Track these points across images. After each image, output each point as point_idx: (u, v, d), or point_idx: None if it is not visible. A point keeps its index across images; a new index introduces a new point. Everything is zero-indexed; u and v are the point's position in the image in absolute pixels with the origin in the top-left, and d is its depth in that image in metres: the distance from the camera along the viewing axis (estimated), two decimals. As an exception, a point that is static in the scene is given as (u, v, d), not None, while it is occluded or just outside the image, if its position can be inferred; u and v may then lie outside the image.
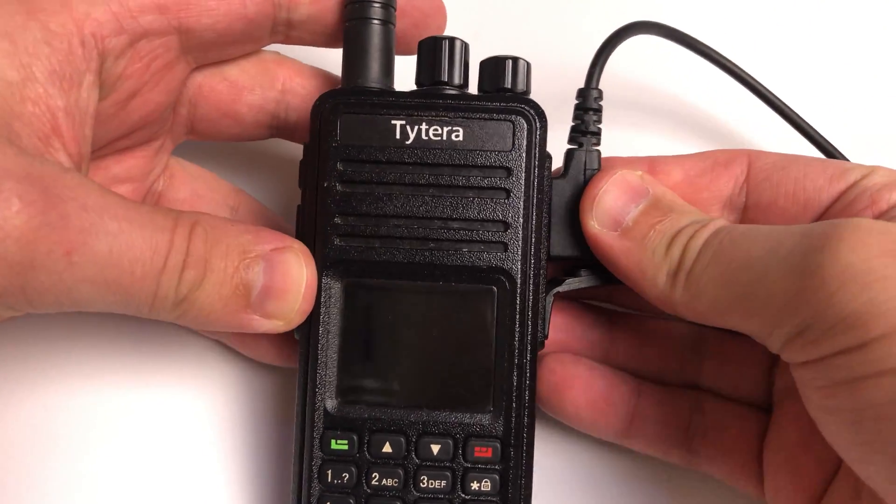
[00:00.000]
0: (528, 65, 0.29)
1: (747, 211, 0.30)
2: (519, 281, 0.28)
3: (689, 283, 0.26)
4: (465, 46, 0.29)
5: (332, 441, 0.28)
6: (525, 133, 0.28)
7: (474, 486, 0.28)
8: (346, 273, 0.28)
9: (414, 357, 0.29)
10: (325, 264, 0.28)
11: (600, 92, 0.31)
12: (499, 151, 0.28)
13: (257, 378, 0.34)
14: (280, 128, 0.32)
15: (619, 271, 0.28)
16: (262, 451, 0.33)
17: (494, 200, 0.28)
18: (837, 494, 0.27)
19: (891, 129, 0.36)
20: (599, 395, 0.31)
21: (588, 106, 0.30)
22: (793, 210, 0.29)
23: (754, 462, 0.31)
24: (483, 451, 0.28)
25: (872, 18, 0.37)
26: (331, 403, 0.28)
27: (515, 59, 0.29)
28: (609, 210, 0.28)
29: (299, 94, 0.32)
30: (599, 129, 0.30)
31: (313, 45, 0.31)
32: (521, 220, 0.28)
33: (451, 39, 0.29)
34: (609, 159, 0.31)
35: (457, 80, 0.29)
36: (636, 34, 0.31)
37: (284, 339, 0.31)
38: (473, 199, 0.28)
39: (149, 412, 0.33)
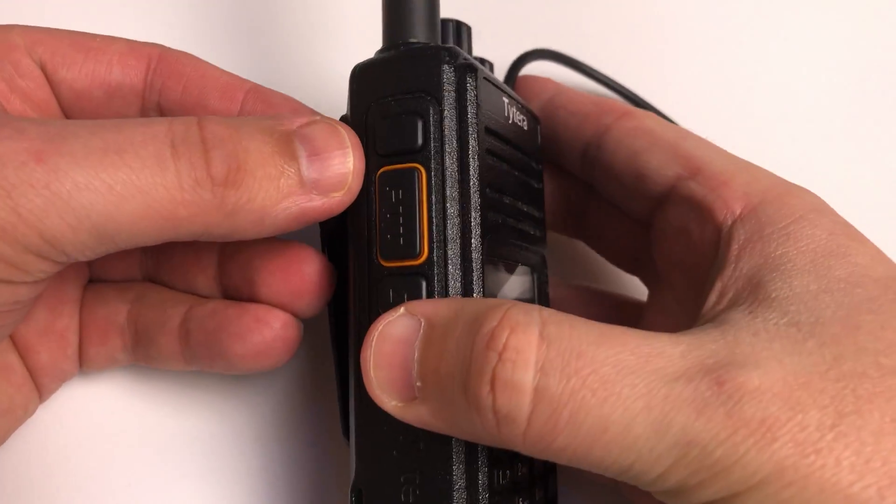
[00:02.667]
0: None
1: (594, 167, 0.30)
2: (546, 264, 0.29)
3: (530, 433, 0.20)
4: None
5: None
6: (540, 133, 0.30)
7: None
8: (486, 251, 0.24)
9: None
10: (484, 238, 0.24)
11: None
12: (535, 147, 0.30)
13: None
14: None
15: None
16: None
17: (539, 189, 0.29)
18: None
19: (768, 140, 0.40)
20: None
21: None
22: (627, 178, 0.28)
23: None
24: None
25: (755, 37, 0.42)
26: None
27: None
28: (391, 383, 0.22)
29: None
30: None
31: None
32: (543, 209, 0.30)
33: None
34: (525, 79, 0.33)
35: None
36: (534, 60, 0.36)
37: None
38: (533, 185, 0.29)
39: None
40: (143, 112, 0.27)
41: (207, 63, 0.28)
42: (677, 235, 0.27)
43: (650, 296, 0.31)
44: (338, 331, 0.28)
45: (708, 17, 0.42)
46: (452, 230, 0.24)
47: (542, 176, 0.30)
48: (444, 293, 0.23)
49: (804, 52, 0.42)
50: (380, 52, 0.26)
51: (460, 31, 0.29)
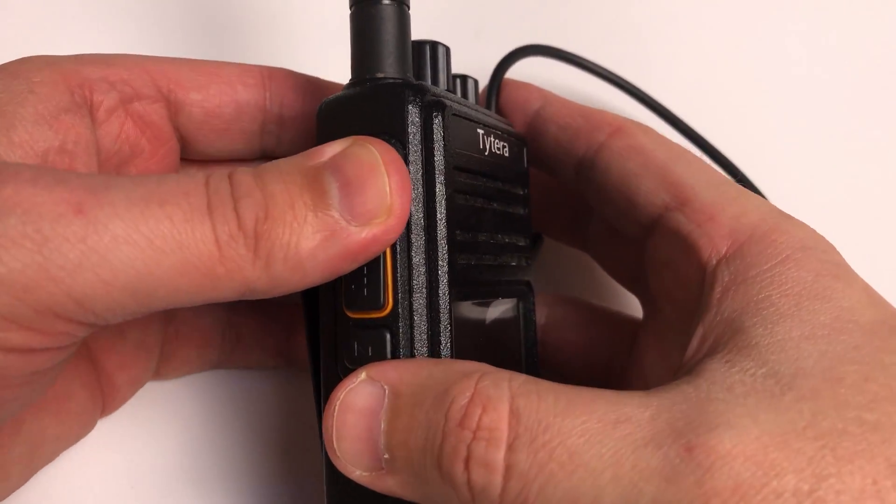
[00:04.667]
0: None
1: (588, 184, 0.29)
2: (533, 290, 0.29)
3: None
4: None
5: None
6: (528, 155, 0.29)
7: None
8: (457, 296, 0.24)
9: None
10: (452, 286, 0.23)
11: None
12: (519, 171, 0.28)
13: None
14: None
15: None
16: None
17: (523, 216, 0.28)
18: None
19: (766, 132, 0.39)
20: None
21: None
22: (619, 201, 0.27)
23: None
24: None
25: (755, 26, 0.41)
26: None
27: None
28: (356, 455, 0.22)
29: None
30: None
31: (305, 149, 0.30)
32: (530, 234, 0.29)
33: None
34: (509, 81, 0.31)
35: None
36: (524, 57, 0.34)
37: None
38: (515, 213, 0.28)
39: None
40: (265, 125, 0.28)
41: (302, 74, 0.29)
42: (666, 266, 0.26)
43: (644, 317, 0.30)
44: (317, 380, 0.27)
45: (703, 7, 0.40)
46: (418, 280, 0.23)
47: (528, 199, 0.29)
48: (410, 346, 0.23)
49: (804, 44, 0.41)
50: (347, 86, 0.25)
51: (436, 53, 0.27)
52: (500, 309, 0.27)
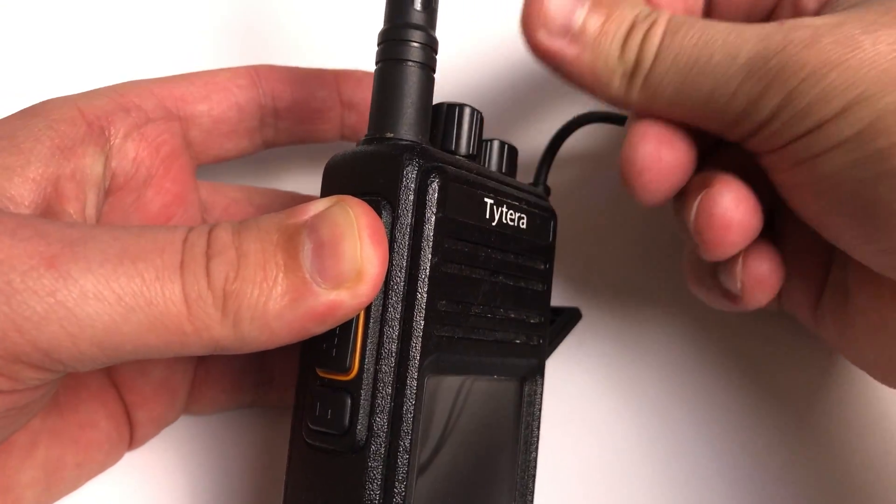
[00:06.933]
0: None
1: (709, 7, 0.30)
2: (543, 373, 0.27)
3: (646, 86, 0.26)
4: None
5: None
6: (555, 229, 0.28)
7: None
8: (433, 369, 0.23)
9: (474, 461, 0.26)
10: (425, 358, 0.23)
11: (548, 188, 0.31)
12: (542, 245, 0.28)
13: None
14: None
15: (572, 79, 0.27)
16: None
17: (539, 292, 0.27)
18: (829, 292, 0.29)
19: None
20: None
21: None
22: (745, 6, 0.29)
23: None
24: None
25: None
26: None
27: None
28: (556, 16, 0.26)
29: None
30: None
31: (303, 140, 0.32)
32: (547, 311, 0.28)
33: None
34: None
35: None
36: (585, 125, 0.32)
37: None
38: (527, 288, 0.27)
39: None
40: (263, 119, 0.31)
41: (284, 66, 0.31)
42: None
43: None
44: None
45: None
46: (388, 347, 0.22)
47: (549, 275, 0.28)
48: (370, 414, 0.22)
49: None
50: (359, 143, 0.25)
51: (461, 117, 0.26)
52: (494, 388, 0.26)
